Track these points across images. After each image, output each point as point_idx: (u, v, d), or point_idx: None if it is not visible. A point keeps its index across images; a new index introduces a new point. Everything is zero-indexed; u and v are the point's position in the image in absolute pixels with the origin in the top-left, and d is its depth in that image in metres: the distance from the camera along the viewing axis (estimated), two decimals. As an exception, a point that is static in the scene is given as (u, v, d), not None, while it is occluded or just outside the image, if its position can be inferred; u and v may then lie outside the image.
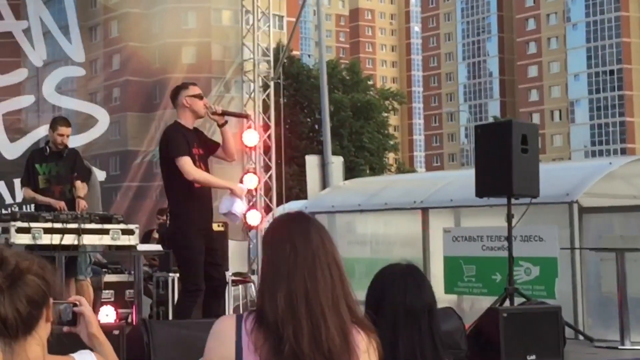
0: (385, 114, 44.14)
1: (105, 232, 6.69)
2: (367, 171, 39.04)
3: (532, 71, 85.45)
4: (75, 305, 2.07)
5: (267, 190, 10.31)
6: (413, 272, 2.79)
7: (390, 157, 51.15)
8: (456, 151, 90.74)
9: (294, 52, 46.79)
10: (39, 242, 6.42)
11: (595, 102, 79.57)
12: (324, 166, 11.72)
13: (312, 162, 11.79)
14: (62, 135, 7.09)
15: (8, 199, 8.82)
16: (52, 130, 7.11)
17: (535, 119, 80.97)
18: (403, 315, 2.67)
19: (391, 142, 44.94)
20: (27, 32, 9.17)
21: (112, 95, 9.92)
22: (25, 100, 9.16)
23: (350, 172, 31.02)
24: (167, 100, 7.56)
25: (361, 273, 11.02)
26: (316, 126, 38.17)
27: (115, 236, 6.74)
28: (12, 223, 6.34)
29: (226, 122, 6.08)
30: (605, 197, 8.22)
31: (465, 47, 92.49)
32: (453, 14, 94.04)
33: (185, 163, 5.77)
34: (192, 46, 10.44)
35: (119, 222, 6.79)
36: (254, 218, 10.00)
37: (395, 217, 10.11)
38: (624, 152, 73.79)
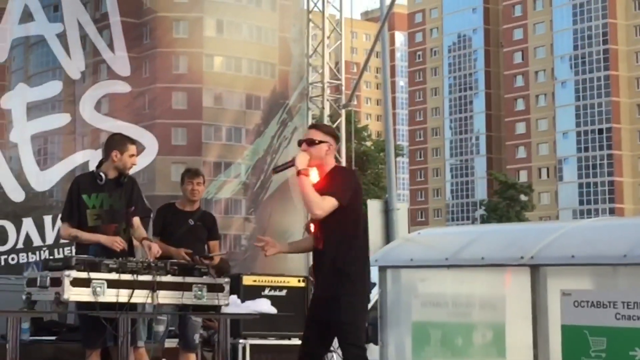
0: (382, 166, 42.82)
1: (187, 287, 5.00)
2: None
3: (520, 128, 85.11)
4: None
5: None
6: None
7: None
8: (441, 206, 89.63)
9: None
10: (101, 299, 4.70)
11: (584, 160, 79.12)
12: (387, 212, 10.08)
13: (374, 207, 10.14)
14: (134, 155, 5.43)
15: (37, 241, 7.03)
16: (120, 151, 5.42)
17: (523, 176, 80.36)
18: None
19: (387, 195, 43.56)
20: (61, 36, 7.49)
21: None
22: (59, 120, 7.42)
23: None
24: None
25: (436, 340, 9.30)
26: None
27: (199, 293, 5.04)
28: (66, 272, 4.62)
29: (299, 172, 4.77)
30: None
31: (452, 102, 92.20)
32: (440, 69, 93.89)
33: None
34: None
35: (202, 274, 5.11)
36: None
37: (491, 275, 8.41)
38: (612, 212, 73.18)
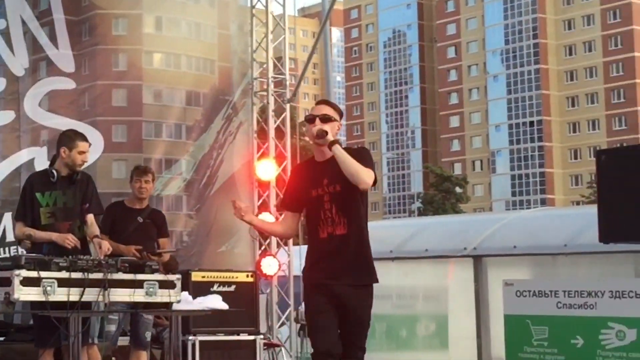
0: (321, 160, 42.88)
1: (139, 284, 4.98)
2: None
3: (454, 121, 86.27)
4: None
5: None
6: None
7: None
8: (379, 200, 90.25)
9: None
10: (52, 298, 4.66)
11: (515, 152, 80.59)
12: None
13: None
14: (83, 152, 5.38)
15: (-18, 242, 6.90)
16: (68, 148, 5.37)
17: (457, 169, 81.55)
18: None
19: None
20: (4, 33, 7.35)
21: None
22: (3, 117, 7.28)
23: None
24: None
25: (382, 333, 9.44)
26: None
27: (151, 290, 5.03)
28: (16, 272, 4.56)
29: (336, 141, 4.34)
30: None
31: (388, 97, 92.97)
32: (376, 64, 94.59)
33: None
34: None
35: (153, 271, 5.09)
36: (270, 266, 8.34)
37: (435, 267, 8.57)
38: (543, 202, 74.71)
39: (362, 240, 4.32)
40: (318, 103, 4.50)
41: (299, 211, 4.46)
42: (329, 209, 4.31)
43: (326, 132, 4.30)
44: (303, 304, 4.59)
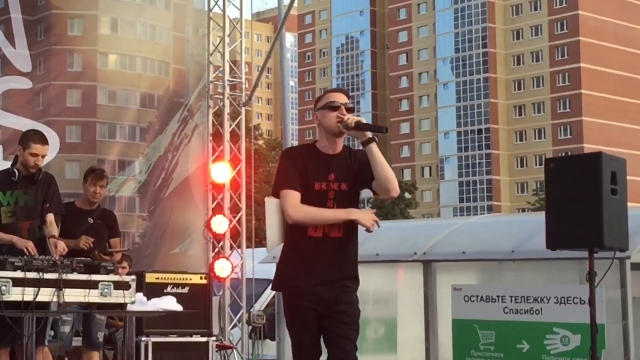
0: (272, 164, 42.97)
1: (94, 285, 4.99)
2: (254, 222, 37.56)
3: (404, 128, 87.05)
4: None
5: (235, 234, 8.72)
6: None
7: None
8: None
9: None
10: (6, 298, 4.65)
11: (464, 159, 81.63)
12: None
13: (271, 205, 10.23)
14: (36, 155, 5.38)
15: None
16: (23, 147, 5.38)
17: (407, 174, 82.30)
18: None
19: (280, 193, 43.81)
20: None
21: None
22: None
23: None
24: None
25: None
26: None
27: (105, 291, 5.05)
28: (-29, 272, 4.56)
29: (373, 139, 3.99)
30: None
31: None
32: (329, 70, 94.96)
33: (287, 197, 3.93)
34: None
35: (108, 272, 5.11)
36: (223, 269, 8.39)
37: (385, 271, 8.68)
38: (490, 209, 75.83)
39: (355, 246, 4.05)
40: (336, 91, 4.07)
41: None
42: (331, 207, 3.94)
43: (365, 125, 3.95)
44: (285, 314, 4.07)
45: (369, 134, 3.99)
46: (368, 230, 3.94)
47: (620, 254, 5.99)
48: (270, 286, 4.29)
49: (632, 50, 79.33)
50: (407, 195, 66.62)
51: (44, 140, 5.50)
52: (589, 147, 68.56)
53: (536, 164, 74.99)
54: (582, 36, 77.14)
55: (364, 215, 3.93)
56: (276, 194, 4.04)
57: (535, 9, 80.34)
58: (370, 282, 9.24)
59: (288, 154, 4.13)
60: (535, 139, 79.45)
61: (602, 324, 6.64)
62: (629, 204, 6.13)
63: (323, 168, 3.99)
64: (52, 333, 5.85)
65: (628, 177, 6.07)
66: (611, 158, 5.76)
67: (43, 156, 5.50)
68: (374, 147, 3.96)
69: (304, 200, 3.92)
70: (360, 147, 4.02)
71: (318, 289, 3.92)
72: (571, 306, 6.77)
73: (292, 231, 4.01)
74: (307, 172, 3.95)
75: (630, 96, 78.07)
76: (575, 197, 5.62)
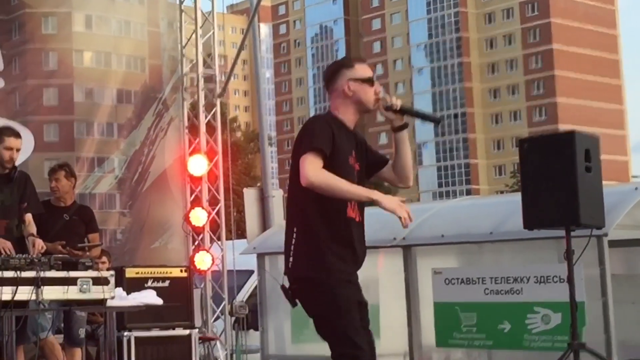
0: (251, 156, 42.91)
1: (72, 282, 4.99)
2: (234, 214, 37.55)
3: (380, 115, 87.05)
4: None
5: (215, 227, 8.74)
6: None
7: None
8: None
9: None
10: (-17, 296, 4.67)
11: (441, 144, 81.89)
12: (263, 200, 10.22)
13: (250, 195, 10.26)
14: (10, 149, 5.37)
15: None
16: None
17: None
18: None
19: (258, 185, 43.81)
20: None
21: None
22: None
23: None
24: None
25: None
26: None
27: (84, 287, 5.05)
28: (-52, 272, 4.56)
29: (406, 124, 3.81)
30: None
31: (317, 92, 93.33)
32: (304, 60, 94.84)
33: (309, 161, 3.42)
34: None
35: (87, 268, 5.11)
36: (204, 261, 8.41)
37: (366, 258, 8.72)
38: (469, 192, 76.17)
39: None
40: (365, 62, 3.85)
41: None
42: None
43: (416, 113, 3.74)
44: (327, 303, 3.54)
45: (405, 120, 3.79)
46: (403, 225, 3.57)
47: (597, 232, 6.08)
48: (298, 272, 3.59)
49: (603, 30, 79.89)
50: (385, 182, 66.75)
51: (16, 134, 5.50)
52: (564, 127, 68.93)
53: (513, 146, 75.31)
54: (553, 17, 77.53)
55: (390, 201, 3.53)
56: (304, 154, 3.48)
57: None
58: (352, 269, 9.29)
59: (321, 119, 3.70)
60: (511, 121, 79.87)
61: (581, 301, 6.72)
62: (606, 182, 6.19)
63: (348, 144, 3.66)
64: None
65: (605, 156, 6.10)
66: (584, 136, 5.84)
67: (18, 150, 5.49)
68: (406, 134, 3.82)
69: (339, 172, 3.49)
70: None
71: (355, 276, 3.66)
72: (551, 285, 6.81)
73: (326, 211, 3.52)
74: (341, 143, 3.58)
75: (604, 75, 78.66)
76: (550, 176, 5.69)
